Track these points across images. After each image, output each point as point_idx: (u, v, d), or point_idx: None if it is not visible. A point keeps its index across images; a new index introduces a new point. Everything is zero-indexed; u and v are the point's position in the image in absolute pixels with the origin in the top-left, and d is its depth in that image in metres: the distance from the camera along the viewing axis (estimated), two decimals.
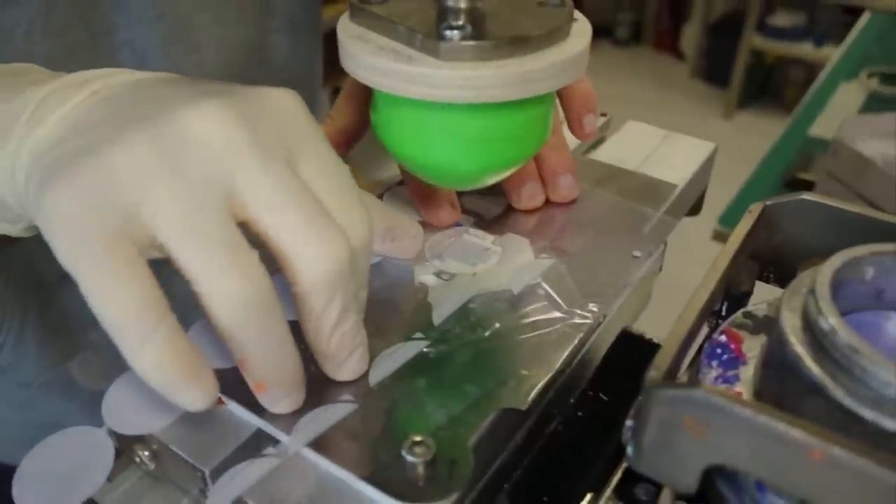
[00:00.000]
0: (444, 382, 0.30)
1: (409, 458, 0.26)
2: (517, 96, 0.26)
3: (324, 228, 0.26)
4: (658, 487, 0.26)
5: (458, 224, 0.38)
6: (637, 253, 0.37)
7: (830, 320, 0.22)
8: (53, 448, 0.28)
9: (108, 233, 0.24)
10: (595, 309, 0.33)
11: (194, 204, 0.24)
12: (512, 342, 0.31)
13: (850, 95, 1.25)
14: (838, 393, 0.21)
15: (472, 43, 0.26)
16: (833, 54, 1.46)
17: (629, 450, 0.24)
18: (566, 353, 0.31)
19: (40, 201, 0.25)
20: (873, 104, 1.20)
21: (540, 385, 0.29)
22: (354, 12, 0.29)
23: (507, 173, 0.33)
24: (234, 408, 0.29)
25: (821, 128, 1.15)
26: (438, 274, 0.35)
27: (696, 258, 0.74)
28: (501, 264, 0.35)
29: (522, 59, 0.26)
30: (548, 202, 0.40)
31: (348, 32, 0.28)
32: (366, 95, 0.37)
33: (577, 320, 0.32)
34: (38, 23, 0.41)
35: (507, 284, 0.34)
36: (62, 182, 0.24)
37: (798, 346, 0.23)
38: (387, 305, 0.33)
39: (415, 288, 0.34)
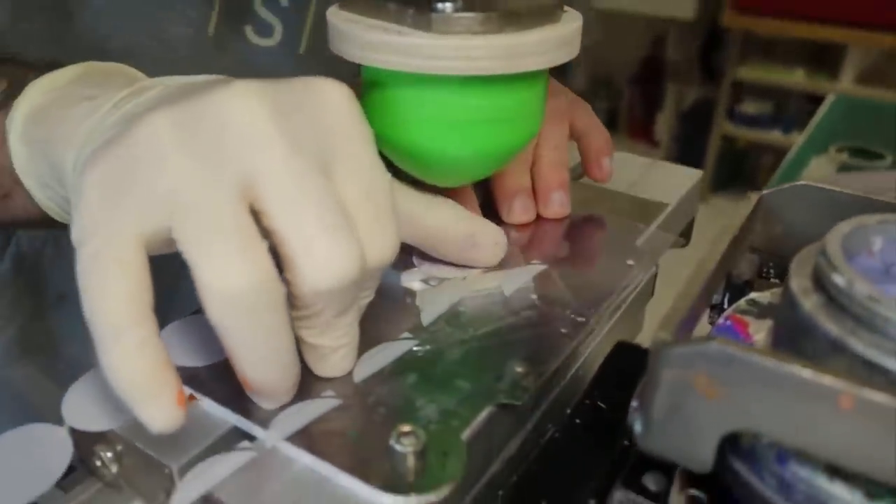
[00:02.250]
0: (434, 378, 0.28)
1: (398, 448, 0.24)
2: (508, 70, 0.26)
3: (338, 237, 0.23)
4: (668, 476, 0.24)
5: None
6: (631, 262, 0.36)
7: (846, 274, 0.21)
8: (8, 444, 0.26)
9: (117, 219, 0.23)
10: (590, 310, 0.32)
11: (205, 182, 0.23)
12: (505, 341, 0.30)
13: (822, 167, 1.28)
14: (859, 346, 0.20)
15: (463, 14, 0.25)
16: (804, 132, 1.50)
17: (636, 428, 0.23)
18: (563, 351, 0.29)
19: (77, 186, 0.24)
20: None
21: (537, 380, 0.28)
22: (345, 2, 0.28)
23: (495, 166, 0.32)
24: (209, 405, 0.27)
25: None
26: (426, 280, 0.33)
27: None
28: (492, 269, 0.34)
29: (514, 34, 0.26)
30: (538, 219, 0.39)
31: (338, 17, 0.28)
32: None
33: (574, 319, 0.31)
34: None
35: (497, 287, 0.33)
36: (91, 164, 0.24)
37: (812, 306, 0.21)
38: (371, 309, 0.32)
39: (402, 292, 0.33)
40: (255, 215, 0.24)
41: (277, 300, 0.23)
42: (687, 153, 2.93)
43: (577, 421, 0.31)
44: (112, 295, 0.22)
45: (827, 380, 0.18)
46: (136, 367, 0.22)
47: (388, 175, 0.26)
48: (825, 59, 2.55)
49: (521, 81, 0.28)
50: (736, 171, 2.89)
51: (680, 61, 2.98)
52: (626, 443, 0.30)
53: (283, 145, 0.23)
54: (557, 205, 0.39)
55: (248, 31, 0.44)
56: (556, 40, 0.27)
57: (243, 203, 0.23)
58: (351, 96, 0.26)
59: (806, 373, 0.18)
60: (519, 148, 0.31)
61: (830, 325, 0.21)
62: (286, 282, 0.24)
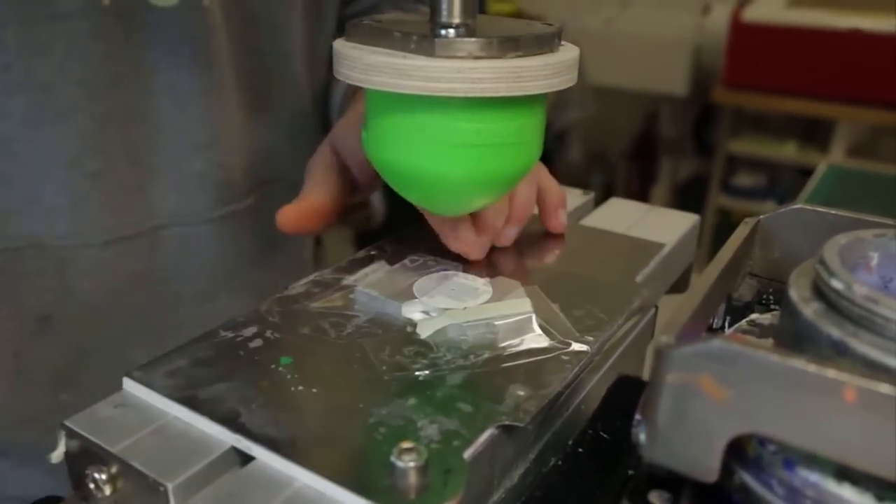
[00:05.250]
0: (435, 401, 0.27)
1: (399, 463, 0.23)
2: (511, 92, 0.27)
3: None
4: (673, 494, 0.24)
5: (446, 269, 0.37)
6: (631, 296, 0.36)
7: (843, 277, 0.21)
8: None
9: None
10: (591, 339, 0.32)
11: None
12: (506, 367, 0.30)
13: None
14: (861, 348, 0.20)
15: (467, 39, 0.26)
16: (799, 198, 1.52)
17: (641, 438, 0.22)
18: (565, 377, 0.29)
19: None
20: None
21: (540, 403, 0.27)
22: (350, 31, 0.30)
23: (496, 193, 0.32)
24: (207, 425, 0.26)
25: None
26: (427, 311, 0.33)
27: None
28: (493, 301, 0.34)
29: (515, 59, 0.27)
30: (540, 254, 0.40)
31: (343, 45, 0.29)
32: (341, 172, 0.40)
33: (576, 348, 0.31)
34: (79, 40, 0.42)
35: (498, 316, 0.32)
36: None
37: (812, 312, 0.21)
38: (373, 337, 0.32)
39: (403, 322, 0.33)
40: None
41: None
42: None
43: (580, 450, 0.30)
44: None
45: (830, 373, 0.18)
46: None
47: None
48: (816, 133, 2.60)
49: (522, 106, 0.28)
50: None
51: (673, 136, 3.04)
52: (629, 472, 0.29)
53: None
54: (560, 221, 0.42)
55: None
56: (558, 65, 0.27)
57: None
58: None
59: (810, 367, 0.18)
60: (520, 174, 0.31)
61: (831, 329, 0.21)
62: None
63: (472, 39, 0.26)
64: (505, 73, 0.26)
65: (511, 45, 0.27)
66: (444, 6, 0.28)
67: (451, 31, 0.27)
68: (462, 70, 0.26)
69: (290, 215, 0.39)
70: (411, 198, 0.32)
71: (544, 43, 0.28)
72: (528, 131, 0.30)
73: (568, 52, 0.29)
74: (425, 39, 0.26)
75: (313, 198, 0.40)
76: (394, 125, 0.29)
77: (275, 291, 0.35)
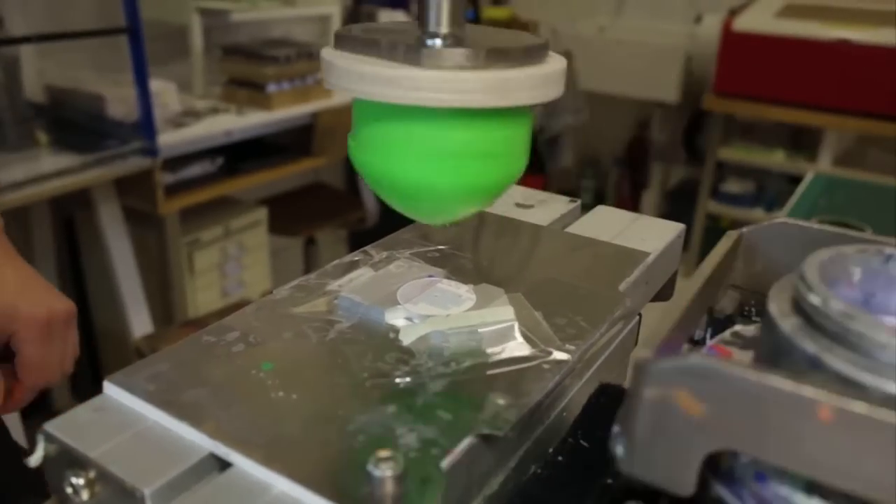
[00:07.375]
0: (415, 409, 0.27)
1: (376, 472, 0.23)
2: (498, 103, 0.26)
3: None
4: (650, 502, 0.24)
5: (430, 276, 0.37)
6: (614, 304, 0.36)
7: (821, 292, 0.21)
8: None
9: None
10: (572, 348, 0.32)
11: None
12: (487, 374, 0.30)
13: None
14: (836, 363, 0.20)
15: (454, 49, 0.26)
16: (786, 206, 1.53)
17: (618, 451, 0.22)
18: (545, 385, 0.29)
19: None
20: None
21: (519, 412, 0.27)
22: (338, 40, 0.29)
23: (481, 203, 0.32)
24: (185, 430, 0.26)
25: None
26: (410, 318, 0.33)
27: None
28: (476, 308, 0.34)
29: (503, 70, 0.27)
30: (525, 262, 0.40)
31: (332, 54, 0.29)
32: None
33: (557, 356, 0.31)
34: None
35: (480, 324, 0.33)
36: None
37: (790, 327, 0.22)
38: (357, 345, 0.32)
39: (386, 328, 0.33)
40: None
41: None
42: None
43: (560, 459, 0.30)
44: None
45: (807, 391, 0.18)
46: None
47: None
48: (804, 141, 2.62)
49: (509, 117, 0.28)
50: None
51: (665, 142, 3.05)
52: (608, 481, 0.29)
53: None
54: None
55: None
56: (544, 77, 0.28)
57: None
58: None
59: (786, 384, 0.18)
60: (505, 185, 0.31)
61: (808, 344, 0.21)
62: None
63: (460, 50, 0.26)
64: (493, 84, 0.26)
65: (499, 57, 0.27)
66: (433, 16, 0.28)
67: (439, 41, 0.27)
68: (449, 81, 0.26)
69: None
70: (397, 205, 0.32)
71: (532, 54, 0.28)
72: (514, 142, 0.30)
73: (555, 64, 0.29)
74: (413, 49, 0.26)
75: None
76: (381, 134, 0.29)
77: None
